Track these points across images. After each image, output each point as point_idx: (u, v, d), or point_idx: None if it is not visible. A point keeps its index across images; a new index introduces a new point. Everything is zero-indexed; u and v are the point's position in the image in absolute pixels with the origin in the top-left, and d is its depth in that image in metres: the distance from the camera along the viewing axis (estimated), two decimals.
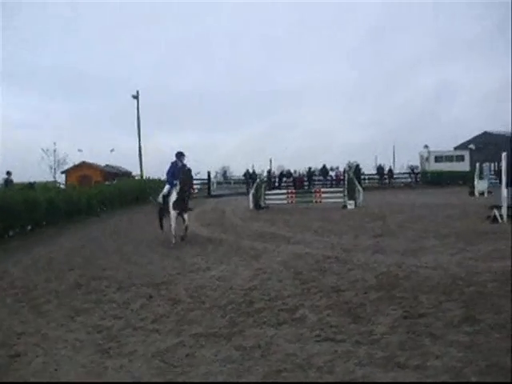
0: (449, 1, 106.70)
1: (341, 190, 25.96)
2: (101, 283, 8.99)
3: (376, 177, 48.61)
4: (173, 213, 13.66)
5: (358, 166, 44.44)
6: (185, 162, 14.30)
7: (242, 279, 8.78)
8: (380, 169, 48.20)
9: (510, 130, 54.95)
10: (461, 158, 48.36)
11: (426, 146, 50.15)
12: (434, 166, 47.48)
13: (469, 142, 59.24)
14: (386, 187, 44.19)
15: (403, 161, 64.74)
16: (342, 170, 43.99)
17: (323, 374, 4.66)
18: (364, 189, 27.51)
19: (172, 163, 14.29)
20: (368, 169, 51.05)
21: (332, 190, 30.16)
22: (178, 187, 13.64)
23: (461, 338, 5.33)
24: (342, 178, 41.45)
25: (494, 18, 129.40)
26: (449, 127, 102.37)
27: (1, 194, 17.37)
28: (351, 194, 23.94)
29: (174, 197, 13.69)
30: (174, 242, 13.29)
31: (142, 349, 5.66)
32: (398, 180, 49.26)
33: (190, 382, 4.67)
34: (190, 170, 14.21)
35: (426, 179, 46.29)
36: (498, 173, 23.17)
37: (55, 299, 8.03)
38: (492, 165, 39.56)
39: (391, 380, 4.45)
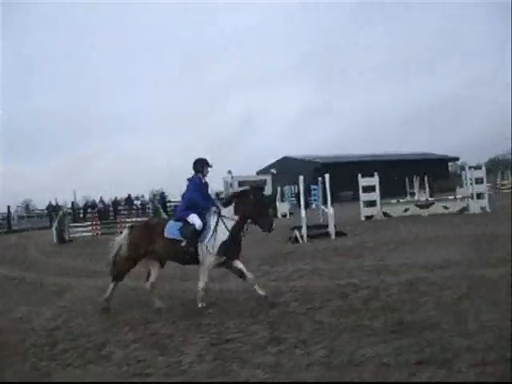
0: (257, 31, 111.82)
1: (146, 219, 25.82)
2: None
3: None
4: (212, 260, 8.32)
5: (163, 193, 44.56)
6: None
7: (46, 319, 8.31)
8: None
9: (306, 155, 58.78)
10: (263, 183, 50.42)
11: (230, 172, 51.59)
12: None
13: (270, 166, 62.03)
14: None
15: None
16: (147, 198, 43.93)
17: None
18: (170, 216, 27.57)
19: (193, 179, 8.83)
20: (175, 196, 51.22)
21: (137, 220, 29.87)
22: (223, 218, 8.40)
23: (267, 359, 5.47)
24: (148, 206, 41.33)
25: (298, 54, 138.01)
26: (253, 153, 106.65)
27: None
28: None
29: (222, 234, 8.29)
30: (200, 306, 8.22)
31: None
32: None
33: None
34: (260, 189, 8.98)
35: None
36: (298, 195, 24.58)
37: None
38: (292, 188, 41.77)
39: None
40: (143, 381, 4.65)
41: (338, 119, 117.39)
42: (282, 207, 31.19)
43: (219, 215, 8.43)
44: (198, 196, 8.65)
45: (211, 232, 8.28)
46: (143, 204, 42.76)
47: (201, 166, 8.82)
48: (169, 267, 8.87)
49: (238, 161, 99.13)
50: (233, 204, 8.49)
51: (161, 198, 40.63)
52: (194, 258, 8.39)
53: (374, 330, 6.10)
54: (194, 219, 8.37)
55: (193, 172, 8.78)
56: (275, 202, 31.72)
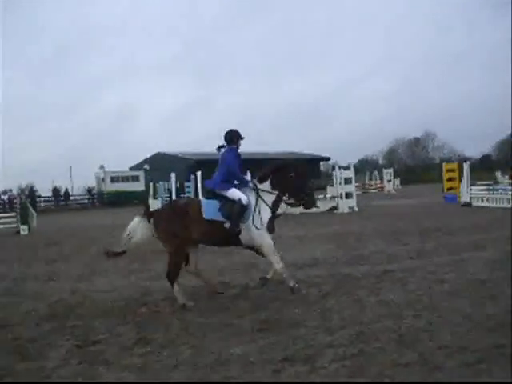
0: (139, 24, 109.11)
1: (13, 215, 24.91)
2: None
3: (52, 199, 47.36)
4: (270, 238, 7.83)
5: (32, 188, 42.85)
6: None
7: None
8: (56, 190, 47.08)
9: (179, 151, 58.58)
10: (136, 178, 49.74)
11: (102, 167, 50.55)
12: (111, 187, 48.04)
13: (144, 162, 61.23)
14: (63, 209, 43.31)
15: (81, 182, 64.12)
16: (15, 193, 42.03)
17: None
18: (39, 212, 26.57)
19: (231, 150, 8.06)
20: (45, 191, 49.37)
21: (5, 215, 28.56)
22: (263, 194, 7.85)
23: (135, 360, 5.42)
24: (15, 201, 39.50)
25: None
26: (128, 148, 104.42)
27: None
28: (24, 219, 23.00)
29: (264, 210, 7.75)
30: (296, 287, 7.78)
31: None
32: (74, 202, 48.68)
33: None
34: (302, 164, 8.79)
35: (103, 200, 46.60)
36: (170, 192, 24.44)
37: None
38: (166, 184, 41.49)
39: None
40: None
41: (216, 115, 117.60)
42: (155, 204, 30.77)
43: (258, 190, 7.86)
44: (237, 169, 7.92)
45: (257, 209, 7.71)
46: (11, 198, 40.88)
47: (235, 137, 8.06)
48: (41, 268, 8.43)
49: (112, 156, 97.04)
50: (269, 179, 7.93)
51: (31, 193, 38.95)
52: (238, 240, 7.79)
53: (242, 329, 6.21)
54: (238, 194, 7.68)
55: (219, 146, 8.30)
56: (147, 199, 31.29)
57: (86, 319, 7.18)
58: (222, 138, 8.13)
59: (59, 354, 5.82)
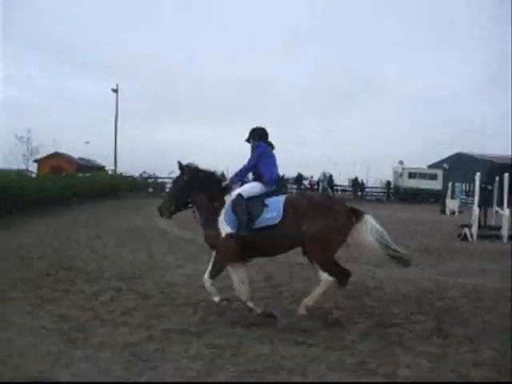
0: None
1: None
2: (70, 273, 8.85)
3: (348, 189, 48.79)
4: None
5: (331, 176, 44.54)
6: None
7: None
8: (355, 181, 48.32)
9: (481, 153, 55.92)
10: (434, 177, 48.71)
11: (401, 162, 50.44)
12: (408, 183, 47.78)
13: (442, 161, 59.75)
14: (359, 200, 44.39)
15: (376, 175, 64.87)
16: (316, 179, 44.33)
17: (294, 376, 4.64)
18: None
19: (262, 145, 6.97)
20: (340, 180, 51.07)
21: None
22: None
23: (432, 349, 5.37)
24: (315, 187, 41.73)
25: None
26: (427, 144, 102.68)
27: None
28: None
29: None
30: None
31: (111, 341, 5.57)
32: (369, 194, 49.50)
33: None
34: None
35: (399, 195, 46.61)
36: (470, 193, 23.49)
37: (23, 287, 7.88)
38: (463, 185, 40.03)
39: None
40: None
41: None
42: (452, 204, 29.90)
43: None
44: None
45: None
46: (311, 184, 43.38)
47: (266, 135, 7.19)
48: None
49: (410, 152, 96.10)
50: None
51: (330, 180, 40.85)
52: None
53: None
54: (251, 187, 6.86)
55: None
56: (445, 198, 30.49)
57: (383, 302, 7.33)
58: None
59: (357, 329, 6.04)
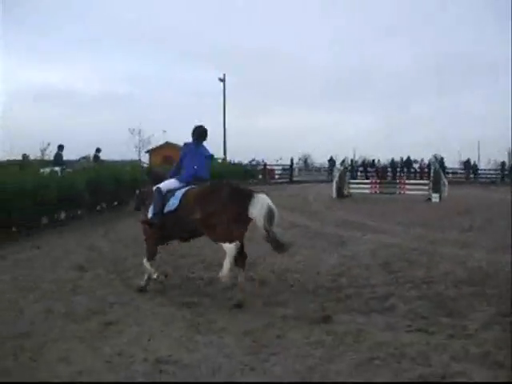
0: None
1: (425, 182, 25.54)
2: (187, 261, 9.19)
3: (460, 171, 47.21)
4: None
5: (442, 158, 43.15)
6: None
7: (329, 265, 8.77)
8: (467, 163, 46.69)
9: None
10: None
11: None
12: None
13: None
14: (472, 182, 42.74)
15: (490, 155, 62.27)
16: (426, 162, 43.11)
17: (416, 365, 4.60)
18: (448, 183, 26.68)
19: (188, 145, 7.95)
20: (450, 163, 49.46)
21: (416, 181, 29.63)
22: None
23: None
24: (426, 170, 40.63)
25: None
26: None
27: (95, 170, 17.94)
28: (436, 187, 23.28)
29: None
30: None
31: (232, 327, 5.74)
32: (483, 176, 47.55)
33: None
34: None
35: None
36: None
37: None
38: None
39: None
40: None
41: None
42: None
43: None
44: None
45: None
46: (421, 167, 42.30)
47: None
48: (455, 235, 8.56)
49: None
50: None
51: (441, 163, 39.60)
52: None
53: None
54: None
55: None
56: None
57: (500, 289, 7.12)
58: None
59: (481, 317, 5.89)
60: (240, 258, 6.80)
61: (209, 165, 8.05)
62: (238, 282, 6.81)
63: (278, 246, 6.60)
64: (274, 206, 6.61)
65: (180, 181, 7.59)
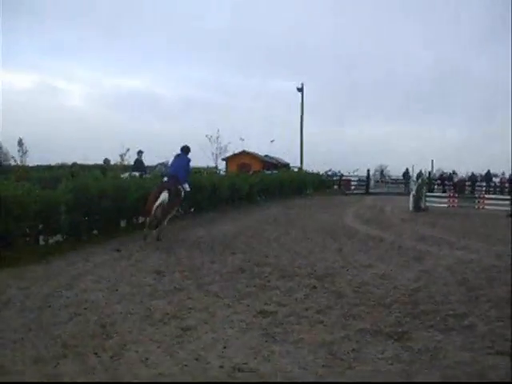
0: None
1: (507, 197, 24.76)
2: (263, 270, 9.25)
3: None
4: None
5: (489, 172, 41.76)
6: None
7: (406, 279, 8.65)
8: None
9: None
10: None
11: None
12: None
13: None
14: None
15: None
16: (507, 176, 41.71)
17: None
18: None
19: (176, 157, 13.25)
20: None
21: (496, 196, 28.74)
22: None
23: None
24: (507, 185, 39.31)
25: None
26: None
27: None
28: None
29: None
30: None
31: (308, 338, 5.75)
32: None
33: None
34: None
35: None
36: None
37: (220, 281, 8.39)
38: None
39: None
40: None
41: None
42: None
43: None
44: None
45: None
46: (502, 181, 40.96)
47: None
48: None
49: None
50: None
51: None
52: None
53: None
54: None
55: None
56: None
57: None
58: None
59: None
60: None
61: (185, 167, 12.82)
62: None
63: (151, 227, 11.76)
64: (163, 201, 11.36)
65: (166, 176, 12.91)
